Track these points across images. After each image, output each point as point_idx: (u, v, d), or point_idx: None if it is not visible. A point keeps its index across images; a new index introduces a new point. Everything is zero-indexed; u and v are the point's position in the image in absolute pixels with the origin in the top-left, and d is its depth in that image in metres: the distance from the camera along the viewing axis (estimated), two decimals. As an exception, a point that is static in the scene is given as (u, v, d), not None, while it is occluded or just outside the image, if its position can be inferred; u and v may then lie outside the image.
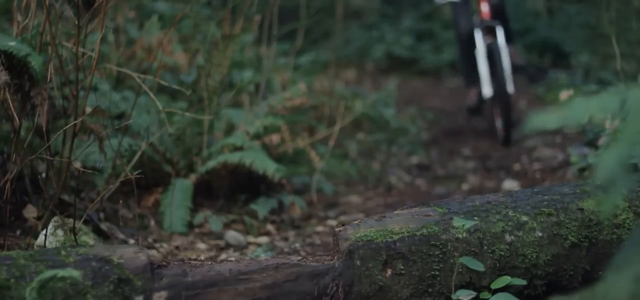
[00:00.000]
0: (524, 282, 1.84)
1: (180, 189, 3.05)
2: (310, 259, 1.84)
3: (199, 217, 3.06)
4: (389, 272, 1.79)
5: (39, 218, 2.52)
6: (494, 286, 1.81)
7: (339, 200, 3.65)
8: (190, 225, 3.00)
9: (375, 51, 8.95)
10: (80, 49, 2.37)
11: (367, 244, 1.80)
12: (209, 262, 1.80)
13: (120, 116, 3.19)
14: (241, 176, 3.28)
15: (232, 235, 2.93)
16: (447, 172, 4.34)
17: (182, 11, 3.71)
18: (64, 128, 2.44)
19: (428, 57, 8.79)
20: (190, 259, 1.87)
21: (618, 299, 1.01)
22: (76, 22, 2.30)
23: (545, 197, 1.96)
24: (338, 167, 4.03)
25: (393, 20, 9.63)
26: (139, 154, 2.96)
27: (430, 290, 1.80)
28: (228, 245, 2.88)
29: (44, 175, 2.59)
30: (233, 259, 2.61)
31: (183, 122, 3.22)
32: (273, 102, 3.63)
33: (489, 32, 4.92)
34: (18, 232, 2.51)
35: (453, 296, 1.80)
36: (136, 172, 2.31)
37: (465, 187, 3.91)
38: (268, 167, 3.04)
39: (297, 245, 2.91)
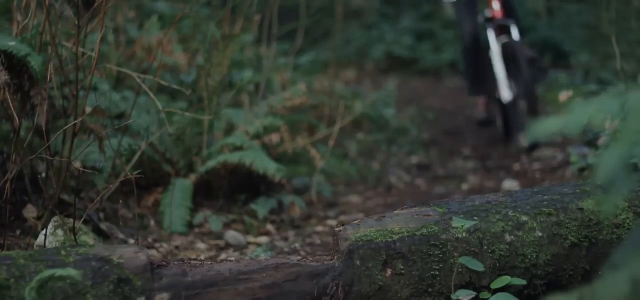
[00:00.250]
0: (524, 282, 1.84)
1: (180, 189, 3.05)
2: (310, 259, 1.84)
3: (199, 217, 3.06)
4: (389, 272, 1.79)
5: (39, 218, 2.52)
6: (494, 286, 1.81)
7: (339, 200, 3.66)
8: (190, 225, 3.01)
9: (375, 51, 8.95)
10: (80, 49, 2.38)
11: (367, 244, 1.80)
12: (209, 262, 1.80)
13: (120, 116, 3.19)
14: (241, 176, 3.28)
15: (232, 235, 2.93)
16: (447, 172, 4.34)
17: (182, 11, 3.71)
18: (64, 128, 2.44)
19: (428, 57, 8.79)
20: (190, 259, 1.87)
21: (616, 298, 1.01)
22: (76, 22, 2.30)
23: (545, 197, 1.96)
24: (338, 167, 4.03)
25: (393, 20, 9.63)
26: (139, 154, 2.96)
27: (430, 290, 1.80)
28: (228, 245, 2.88)
29: (44, 175, 2.59)
30: (233, 259, 2.61)
31: (183, 122, 3.22)
32: (273, 102, 3.63)
33: (503, 31, 4.59)
34: (18, 232, 2.51)
35: (453, 296, 1.80)
36: (136, 172, 2.31)
37: (465, 187, 3.91)
38: (268, 167, 3.04)
39: (297, 245, 2.91)
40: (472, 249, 1.83)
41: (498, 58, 4.55)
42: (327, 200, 3.62)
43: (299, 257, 1.85)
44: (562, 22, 8.33)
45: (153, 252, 2.63)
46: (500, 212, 1.90)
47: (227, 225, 3.08)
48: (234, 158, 3.10)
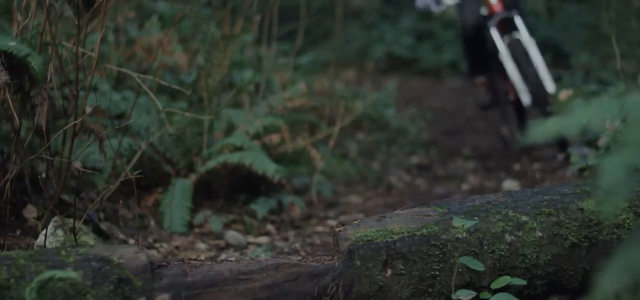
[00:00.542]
0: (524, 282, 1.84)
1: (180, 189, 3.05)
2: (310, 259, 1.84)
3: (199, 217, 3.06)
4: (389, 272, 1.79)
5: (39, 218, 2.52)
6: (494, 286, 1.81)
7: (339, 200, 3.66)
8: (190, 225, 3.01)
9: (375, 51, 8.94)
10: (80, 49, 2.37)
11: (367, 244, 1.80)
12: (209, 262, 1.80)
13: (120, 116, 3.19)
14: (241, 176, 3.28)
15: (232, 235, 2.93)
16: (447, 172, 4.34)
17: (182, 11, 3.71)
18: (64, 128, 2.44)
19: (428, 57, 8.79)
20: (190, 259, 1.87)
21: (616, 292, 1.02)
22: (76, 22, 2.30)
23: (545, 197, 1.96)
24: (338, 167, 4.03)
25: (393, 20, 9.63)
26: (139, 154, 2.96)
27: (430, 290, 1.80)
28: (228, 245, 2.88)
29: (44, 175, 2.59)
30: (233, 259, 2.61)
31: (183, 122, 3.22)
32: (273, 102, 3.63)
33: (506, 26, 4.25)
34: (18, 232, 2.51)
35: (453, 296, 1.80)
36: (136, 172, 2.31)
37: (465, 187, 3.91)
38: (268, 167, 3.05)
39: (297, 245, 2.91)
40: (472, 249, 1.83)
41: (508, 60, 4.18)
42: (327, 200, 3.62)
43: (299, 257, 1.85)
44: (562, 22, 8.32)
45: (153, 252, 2.63)
46: (500, 212, 1.91)
47: (227, 225, 3.08)
48: (233, 158, 3.10)
